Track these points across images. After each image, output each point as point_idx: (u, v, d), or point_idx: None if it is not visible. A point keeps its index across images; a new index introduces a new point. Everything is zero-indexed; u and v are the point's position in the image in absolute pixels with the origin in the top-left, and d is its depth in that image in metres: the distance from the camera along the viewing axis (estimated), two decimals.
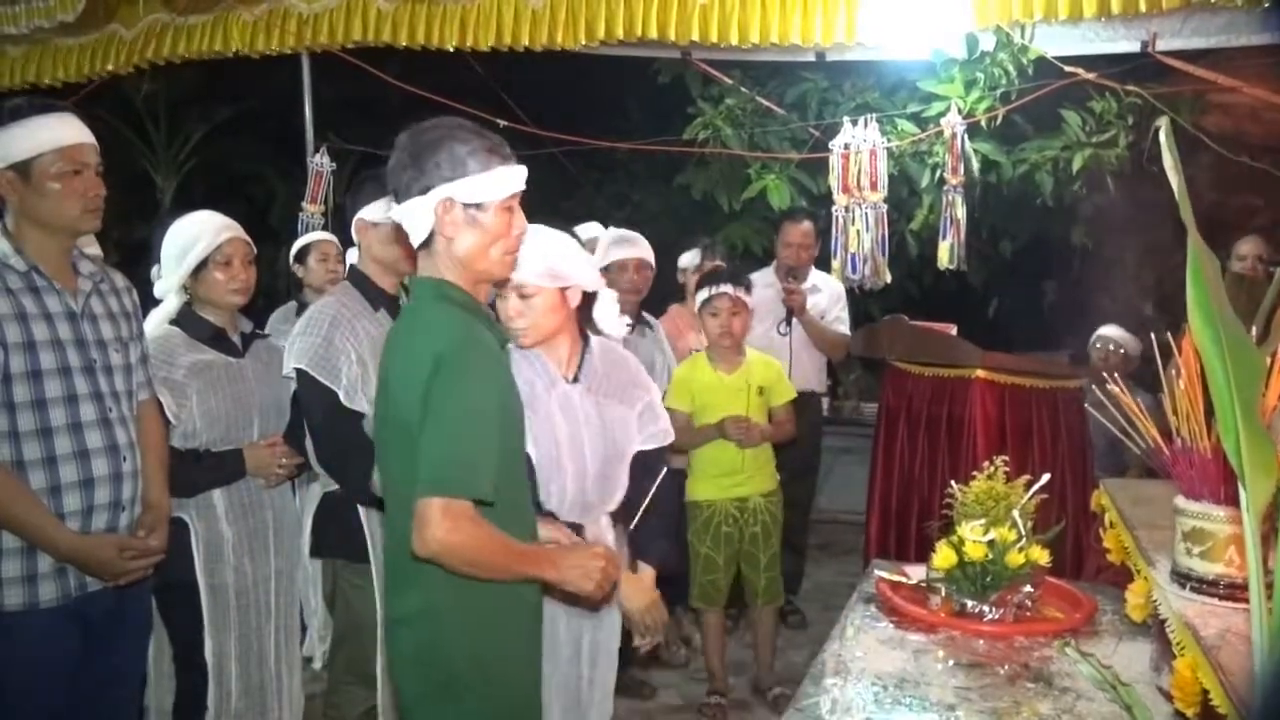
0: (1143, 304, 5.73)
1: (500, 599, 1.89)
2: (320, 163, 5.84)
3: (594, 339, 2.55)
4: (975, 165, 4.99)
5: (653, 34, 4.28)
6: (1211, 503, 1.62)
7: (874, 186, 4.77)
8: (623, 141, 6.55)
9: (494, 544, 1.80)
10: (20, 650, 2.24)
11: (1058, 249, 6.64)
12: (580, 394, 2.45)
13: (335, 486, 2.74)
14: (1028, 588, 2.29)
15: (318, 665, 3.14)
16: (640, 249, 3.90)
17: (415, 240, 1.90)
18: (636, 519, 2.56)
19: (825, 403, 5.98)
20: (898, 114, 5.30)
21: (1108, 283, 6.40)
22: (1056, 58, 4.57)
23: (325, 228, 5.51)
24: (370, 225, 2.82)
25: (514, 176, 1.90)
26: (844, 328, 4.79)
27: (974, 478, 2.46)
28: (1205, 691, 1.38)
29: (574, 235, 2.53)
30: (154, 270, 2.86)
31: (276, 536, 2.87)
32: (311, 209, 5.84)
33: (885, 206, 4.81)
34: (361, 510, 2.70)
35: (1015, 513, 2.33)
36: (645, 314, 4.03)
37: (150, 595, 2.56)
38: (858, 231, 4.76)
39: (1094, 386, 2.22)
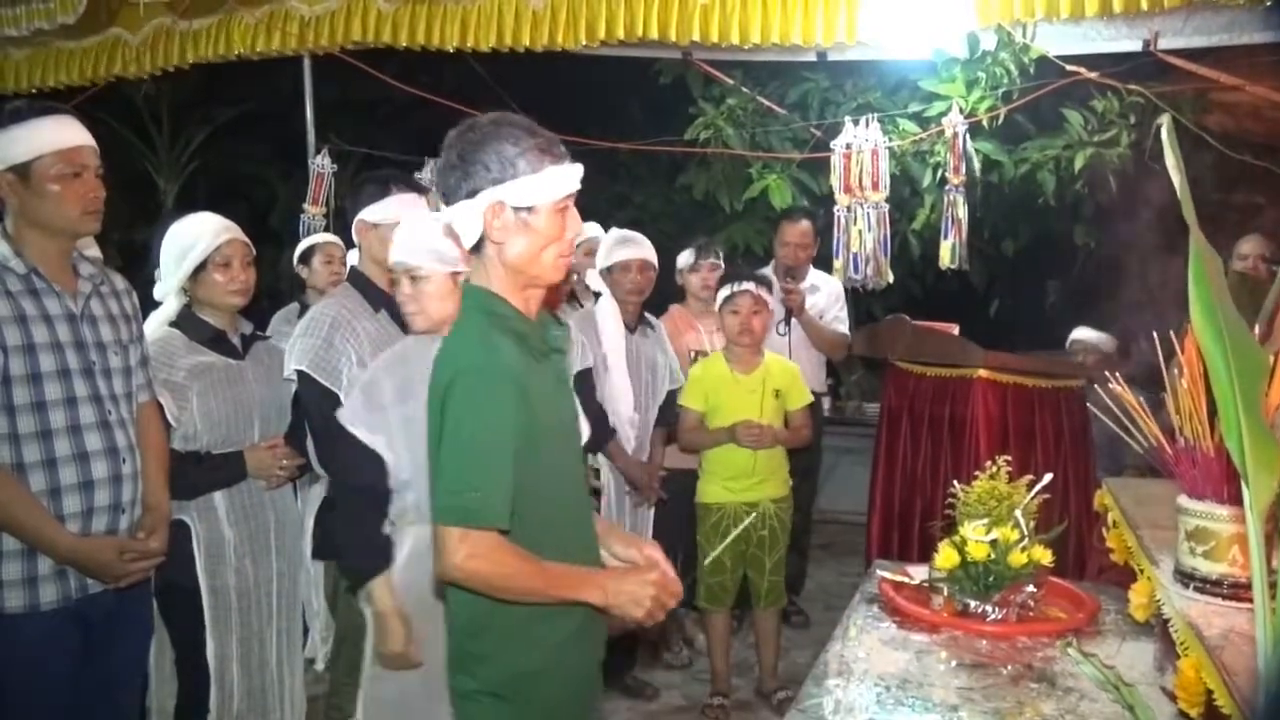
0: (1145, 303, 5.72)
1: (536, 615, 1.82)
2: (321, 164, 5.85)
3: None
4: (977, 165, 4.99)
5: (653, 34, 4.29)
6: (1215, 502, 1.62)
7: (876, 186, 4.76)
8: (624, 142, 6.54)
9: (521, 570, 1.74)
10: (21, 652, 2.24)
11: (1060, 248, 6.63)
12: None
13: None
14: (1030, 588, 2.29)
15: (320, 667, 3.14)
16: (643, 249, 3.89)
17: (465, 244, 1.83)
18: None
19: (827, 403, 5.98)
20: (899, 113, 5.30)
21: (1110, 282, 6.38)
22: (1058, 57, 4.56)
23: (326, 229, 5.52)
24: (371, 226, 2.82)
25: (568, 176, 1.79)
26: (843, 327, 4.78)
27: (976, 478, 2.46)
28: (1209, 692, 1.37)
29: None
30: (156, 273, 2.86)
31: (278, 538, 2.87)
32: (313, 210, 5.84)
33: (887, 206, 4.81)
34: None
35: (1018, 512, 2.33)
36: (647, 314, 4.03)
37: (152, 597, 2.56)
38: (859, 231, 4.76)
39: (1096, 386, 2.21)
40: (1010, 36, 4.62)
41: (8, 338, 2.20)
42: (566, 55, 4.64)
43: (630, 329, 3.86)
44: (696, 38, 4.25)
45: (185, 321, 2.78)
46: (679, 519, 3.90)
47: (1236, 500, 1.52)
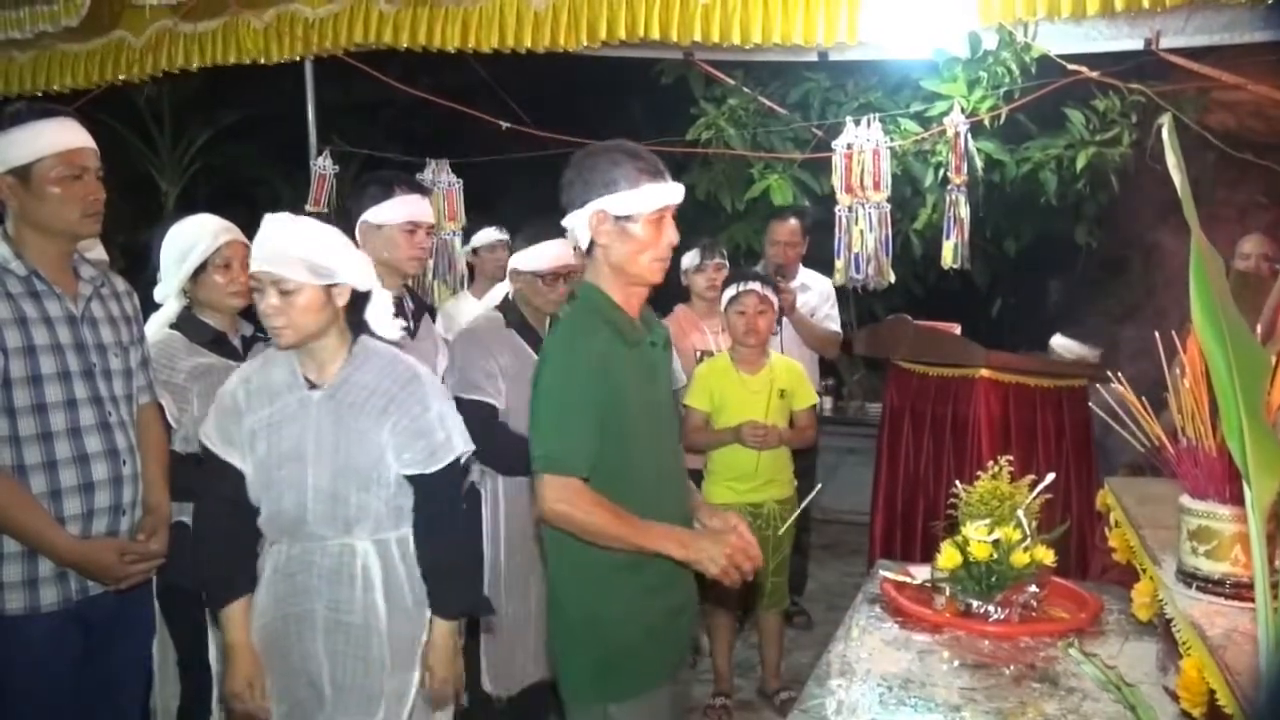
0: (1146, 302, 5.71)
1: (618, 564, 2.09)
2: (323, 166, 5.85)
3: (366, 344, 2.29)
4: (979, 164, 4.99)
5: (654, 35, 4.28)
6: (1217, 501, 1.62)
7: (877, 186, 4.76)
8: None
9: (604, 515, 2.03)
10: (22, 654, 2.24)
11: (1062, 248, 6.63)
12: (319, 401, 2.22)
13: None
14: (1033, 588, 2.28)
15: None
16: None
17: (582, 246, 2.16)
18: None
19: (828, 403, 5.98)
20: (901, 113, 5.29)
21: (1112, 281, 6.38)
22: (1060, 56, 4.55)
23: None
24: (374, 228, 2.82)
25: (663, 193, 2.11)
26: (835, 325, 4.78)
27: (978, 477, 2.45)
28: (1211, 691, 1.37)
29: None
30: (158, 274, 2.86)
31: None
32: (315, 211, 5.84)
33: (889, 206, 4.81)
34: None
35: (1020, 512, 2.33)
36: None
37: (153, 598, 2.57)
38: (861, 231, 4.76)
39: (1098, 386, 2.21)
40: (1012, 36, 4.62)
41: (8, 340, 2.20)
42: (568, 56, 4.63)
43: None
44: (698, 38, 4.24)
45: (186, 323, 2.78)
46: None
47: (1238, 500, 1.52)
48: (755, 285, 3.71)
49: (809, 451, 4.48)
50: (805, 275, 4.77)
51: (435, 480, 2.25)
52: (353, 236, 2.90)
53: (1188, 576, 1.66)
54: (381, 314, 2.32)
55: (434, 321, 3.22)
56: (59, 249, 2.34)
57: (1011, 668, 2.03)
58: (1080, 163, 5.22)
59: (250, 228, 2.93)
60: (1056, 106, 5.23)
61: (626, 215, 2.08)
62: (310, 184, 5.84)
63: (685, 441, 3.91)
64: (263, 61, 5.11)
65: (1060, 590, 2.40)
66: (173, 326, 2.77)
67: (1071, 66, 4.57)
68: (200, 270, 2.75)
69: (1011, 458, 2.50)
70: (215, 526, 2.27)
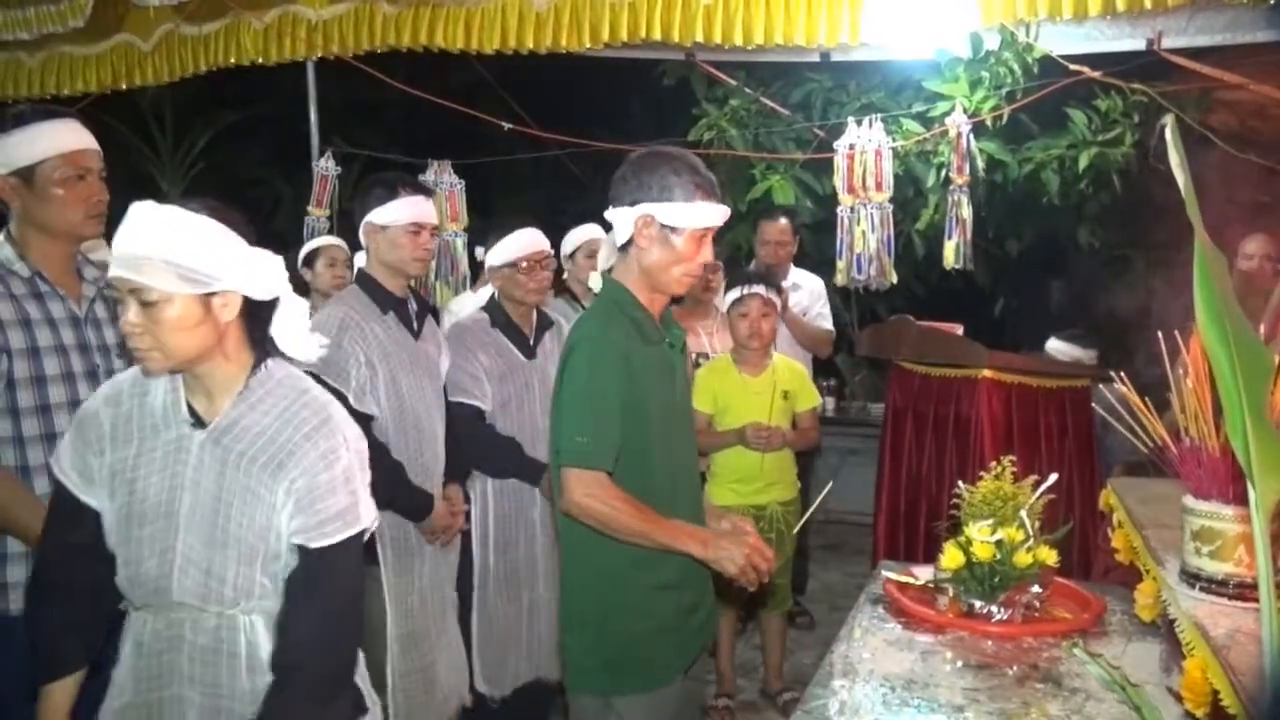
0: (1148, 303, 5.71)
1: (635, 559, 2.10)
2: (325, 167, 5.87)
3: (271, 371, 1.78)
4: (980, 165, 5.00)
5: (656, 36, 4.28)
6: (1220, 502, 1.62)
7: (879, 186, 4.77)
8: (627, 143, 6.54)
9: (628, 510, 2.04)
10: (23, 655, 2.24)
11: (1064, 248, 6.63)
12: (202, 445, 1.72)
13: None
14: (1036, 588, 2.28)
15: None
16: None
17: (618, 241, 2.17)
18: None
19: (830, 403, 5.97)
20: (903, 114, 5.30)
21: (1114, 281, 6.38)
22: (1061, 56, 4.56)
23: (331, 232, 5.53)
24: (378, 229, 2.83)
25: (712, 212, 2.13)
26: (827, 324, 4.79)
27: (981, 478, 2.45)
28: (1215, 692, 1.37)
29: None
30: None
31: None
32: (317, 213, 5.86)
33: (890, 206, 4.81)
34: None
35: (1023, 513, 2.32)
36: None
37: None
38: (863, 232, 4.76)
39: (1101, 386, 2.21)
40: (1014, 36, 4.62)
41: (12, 341, 2.20)
42: (570, 57, 4.64)
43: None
44: (700, 39, 4.24)
45: None
46: None
47: (1242, 500, 1.52)
48: (759, 289, 3.71)
49: (809, 452, 4.49)
50: (796, 275, 4.77)
51: (323, 559, 1.71)
52: (355, 237, 2.92)
53: (1191, 577, 1.66)
54: (292, 329, 1.80)
55: (438, 323, 3.22)
56: (62, 250, 2.35)
57: (1015, 668, 2.02)
58: (1082, 163, 5.23)
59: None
60: (1058, 107, 5.24)
61: (673, 226, 2.11)
62: (312, 185, 5.84)
63: None
64: (261, 62, 5.12)
65: (1063, 591, 2.40)
66: None
67: (1073, 67, 4.57)
68: None
69: (1014, 458, 2.49)
70: (56, 580, 1.82)
